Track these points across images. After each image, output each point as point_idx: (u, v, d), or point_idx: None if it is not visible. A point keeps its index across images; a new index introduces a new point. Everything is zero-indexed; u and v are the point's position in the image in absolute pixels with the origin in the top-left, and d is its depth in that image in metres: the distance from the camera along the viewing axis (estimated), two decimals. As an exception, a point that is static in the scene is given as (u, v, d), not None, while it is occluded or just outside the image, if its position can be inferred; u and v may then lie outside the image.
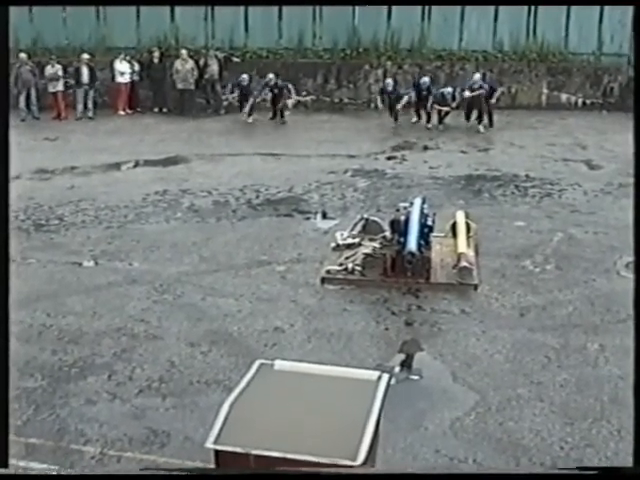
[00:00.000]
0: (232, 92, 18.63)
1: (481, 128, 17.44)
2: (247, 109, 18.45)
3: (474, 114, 17.76)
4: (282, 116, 18.63)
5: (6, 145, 4.02)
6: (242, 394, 5.29)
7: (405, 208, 9.94)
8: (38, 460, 6.32)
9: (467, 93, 17.60)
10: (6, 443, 4.09)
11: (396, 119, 18.16)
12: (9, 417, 4.13)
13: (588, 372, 7.67)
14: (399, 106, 17.94)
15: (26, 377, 7.51)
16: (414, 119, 18.07)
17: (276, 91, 18.47)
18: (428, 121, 17.90)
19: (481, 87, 17.69)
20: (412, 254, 9.23)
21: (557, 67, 19.85)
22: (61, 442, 6.60)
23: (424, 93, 17.84)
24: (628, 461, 6.26)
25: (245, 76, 18.50)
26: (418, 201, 10.09)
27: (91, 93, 18.68)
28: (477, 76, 17.99)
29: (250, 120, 18.46)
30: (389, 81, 18.29)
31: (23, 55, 17.95)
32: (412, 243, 9.25)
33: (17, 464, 6.16)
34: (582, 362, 7.85)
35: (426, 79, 18.17)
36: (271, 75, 18.47)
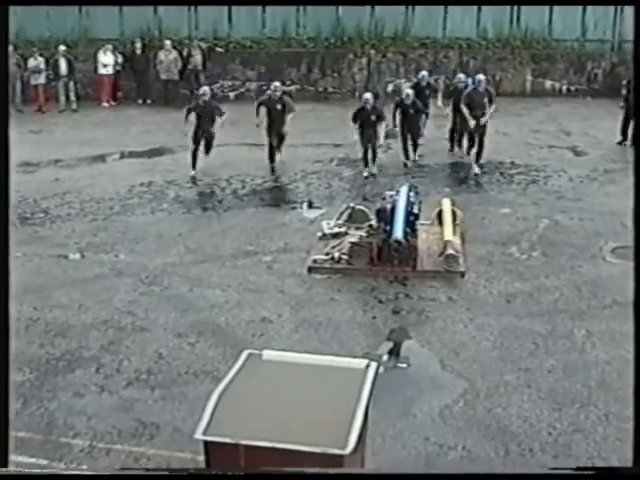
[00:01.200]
0: (187, 116, 13.47)
1: (476, 168, 13.51)
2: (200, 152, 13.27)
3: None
4: (280, 143, 13.66)
5: (6, 141, 4.00)
6: (230, 385, 5.28)
7: (391, 196, 9.95)
8: (27, 454, 6.30)
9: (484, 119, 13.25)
10: (6, 443, 4.07)
11: (368, 161, 13.17)
12: (8, 418, 4.12)
13: (575, 358, 7.71)
14: (379, 144, 13.08)
15: (14, 371, 7.43)
16: (407, 161, 14.01)
17: (279, 107, 13.39)
18: (410, 153, 13.97)
19: (489, 97, 13.47)
20: (398, 242, 9.24)
21: (541, 54, 19.89)
22: (50, 435, 6.58)
23: (410, 112, 13.56)
24: (616, 445, 6.34)
25: (206, 89, 13.81)
26: (404, 189, 10.10)
27: (71, 85, 18.53)
28: (481, 76, 13.88)
29: (192, 173, 13.18)
30: (368, 96, 13.21)
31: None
32: (398, 231, 9.26)
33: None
34: (569, 348, 7.90)
35: (409, 92, 13.81)
36: (277, 83, 13.86)
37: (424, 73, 15.36)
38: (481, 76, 13.80)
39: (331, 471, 4.37)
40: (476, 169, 13.39)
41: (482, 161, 13.91)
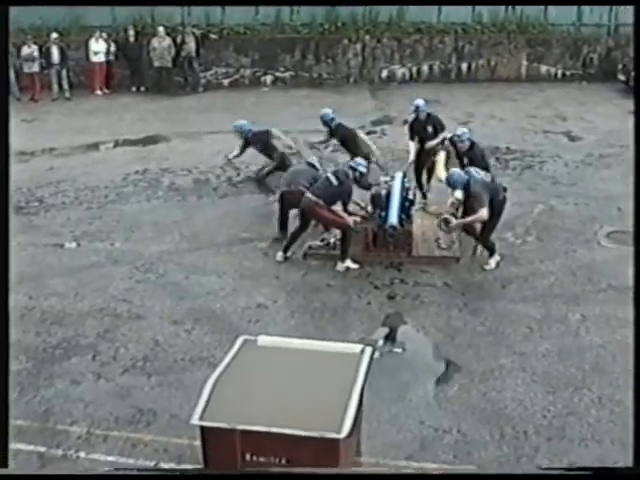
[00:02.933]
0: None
1: (492, 262, 9.30)
2: None
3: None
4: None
5: (6, 133, 4.01)
6: (226, 370, 5.31)
7: (386, 182, 9.95)
8: (25, 441, 6.33)
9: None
10: (6, 443, 4.08)
11: None
12: (8, 419, 4.13)
13: (569, 342, 7.75)
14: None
15: (10, 359, 7.46)
16: None
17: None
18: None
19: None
20: (393, 227, 9.24)
21: (536, 39, 19.84)
22: (47, 423, 6.61)
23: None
24: (609, 427, 6.38)
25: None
26: (399, 175, 10.09)
27: (64, 73, 18.43)
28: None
29: None
30: (360, 161, 9.70)
31: None
32: (393, 217, 9.26)
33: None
34: (564, 332, 7.93)
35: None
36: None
37: (419, 102, 10.98)
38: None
39: (331, 471, 4.40)
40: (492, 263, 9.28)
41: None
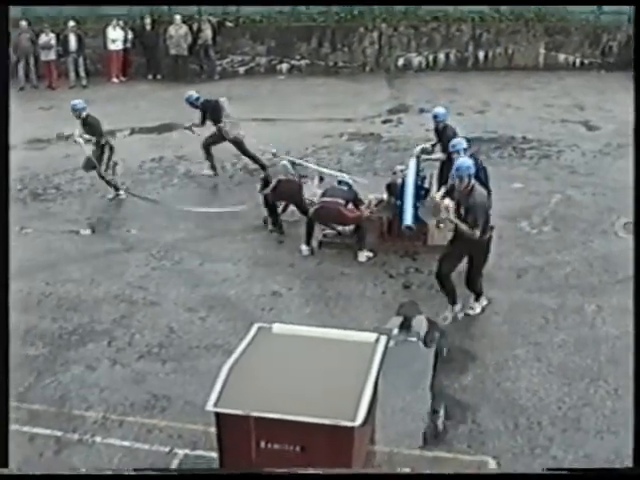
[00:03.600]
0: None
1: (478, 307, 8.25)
2: None
3: None
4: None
5: (6, 127, 4.03)
6: (241, 358, 5.32)
7: (402, 171, 9.89)
8: (42, 426, 6.39)
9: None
10: (6, 443, 4.10)
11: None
12: (9, 416, 4.15)
13: (585, 332, 7.71)
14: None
15: (27, 345, 7.55)
16: None
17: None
18: None
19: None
20: (409, 228, 9.00)
21: (555, 27, 19.62)
22: (64, 408, 6.67)
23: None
24: (625, 419, 6.34)
25: None
26: (413, 163, 9.95)
27: (81, 61, 18.50)
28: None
29: None
30: (346, 176, 10.23)
31: (24, 23, 17.73)
32: (408, 217, 8.97)
33: (21, 429, 6.23)
34: (579, 323, 7.89)
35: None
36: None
37: (438, 112, 10.41)
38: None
39: (332, 471, 4.41)
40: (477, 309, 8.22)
41: (495, 136, 13.77)
